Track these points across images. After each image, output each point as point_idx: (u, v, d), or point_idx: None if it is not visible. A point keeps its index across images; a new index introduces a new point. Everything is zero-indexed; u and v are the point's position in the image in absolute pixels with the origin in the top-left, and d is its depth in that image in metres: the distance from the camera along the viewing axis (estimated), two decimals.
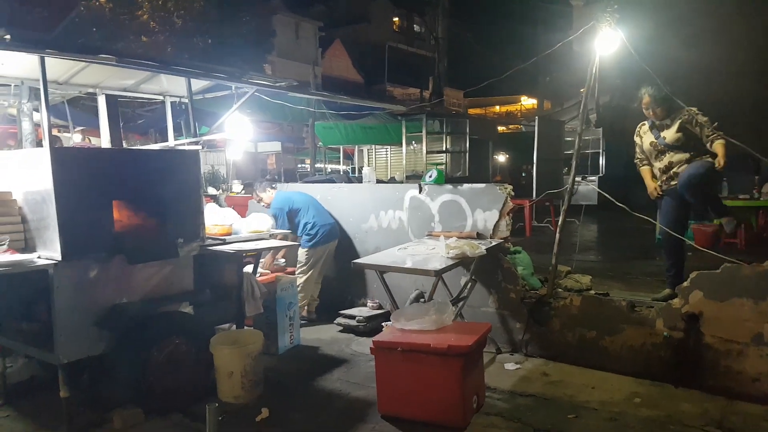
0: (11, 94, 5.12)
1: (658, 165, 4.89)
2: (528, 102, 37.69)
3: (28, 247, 3.82)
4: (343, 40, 32.19)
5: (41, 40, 3.73)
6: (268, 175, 15.82)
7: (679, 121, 4.70)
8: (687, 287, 4.20)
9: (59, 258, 3.54)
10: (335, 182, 7.18)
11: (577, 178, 5.11)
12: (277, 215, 5.80)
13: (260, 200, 6.21)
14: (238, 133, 5.64)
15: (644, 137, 4.99)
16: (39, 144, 5.31)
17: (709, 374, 4.09)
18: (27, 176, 3.80)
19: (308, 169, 15.42)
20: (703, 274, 4.16)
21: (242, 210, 5.85)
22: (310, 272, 5.90)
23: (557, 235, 5.00)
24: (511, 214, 5.18)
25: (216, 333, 4.44)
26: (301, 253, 5.93)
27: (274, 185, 6.43)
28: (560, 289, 5.01)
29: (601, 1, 4.79)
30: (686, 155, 4.70)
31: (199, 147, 4.71)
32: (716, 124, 4.60)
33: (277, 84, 5.47)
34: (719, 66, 11.92)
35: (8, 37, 3.35)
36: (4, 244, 3.55)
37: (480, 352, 3.94)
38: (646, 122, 4.98)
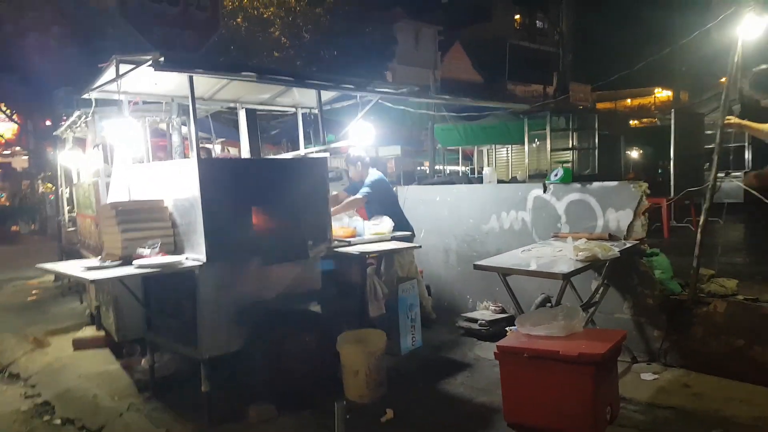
0: (162, 110, 5.71)
1: None
2: (663, 94, 34.97)
3: (177, 249, 4.21)
4: (463, 41, 32.04)
5: (189, 60, 4.12)
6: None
7: None
8: None
9: (204, 260, 3.87)
10: (454, 183, 7.16)
11: (720, 174, 4.66)
12: (371, 190, 5.74)
13: (348, 170, 6.05)
14: (362, 139, 5.82)
15: None
16: (186, 156, 5.85)
17: None
18: (177, 185, 4.20)
19: (427, 172, 15.51)
20: None
21: (363, 213, 6.02)
22: None
23: (698, 235, 4.61)
24: (646, 214, 4.84)
25: (342, 331, 4.59)
26: None
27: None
28: (703, 295, 4.60)
29: None
30: None
31: (327, 154, 4.93)
32: None
33: (399, 91, 5.59)
34: None
35: (162, 59, 3.74)
36: (156, 247, 3.94)
37: (614, 361, 3.72)
38: None
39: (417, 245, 5.43)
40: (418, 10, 30.61)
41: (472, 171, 18.40)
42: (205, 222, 3.86)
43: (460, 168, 19.36)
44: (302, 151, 5.78)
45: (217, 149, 7.82)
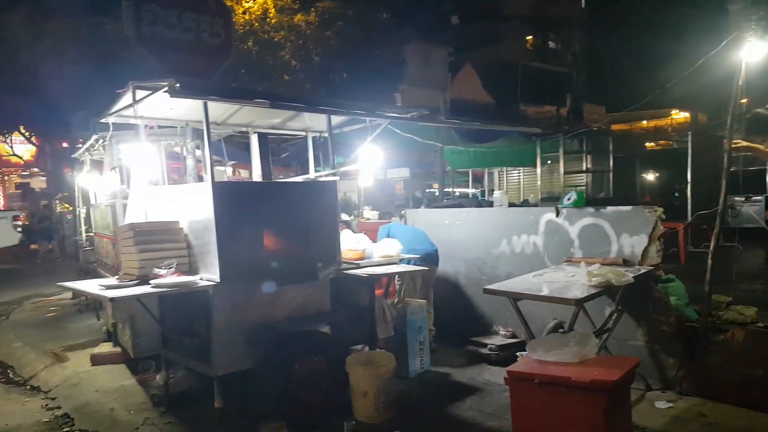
0: (177, 134, 5.81)
1: None
2: (680, 116, 34.68)
3: (191, 270, 4.27)
4: (474, 62, 32.11)
5: (204, 87, 4.21)
6: (396, 200, 16.17)
7: None
8: None
9: (218, 280, 3.93)
10: (464, 206, 7.12)
11: (739, 198, 4.63)
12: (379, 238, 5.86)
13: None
14: (370, 162, 5.87)
15: None
16: (200, 178, 5.94)
17: None
18: (192, 207, 4.27)
19: (436, 194, 15.46)
20: None
21: (373, 235, 6.02)
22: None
23: (710, 260, 4.55)
24: (662, 239, 4.80)
25: (351, 353, 4.60)
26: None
27: (403, 212, 6.63)
28: (720, 322, 4.53)
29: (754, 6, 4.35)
30: None
31: (336, 178, 4.98)
32: None
33: (409, 115, 5.64)
34: None
35: (178, 85, 3.82)
36: (172, 267, 4.00)
37: (627, 388, 3.66)
38: None
39: (423, 267, 5.39)
40: (428, 31, 30.85)
41: (482, 193, 18.32)
42: (219, 243, 3.92)
43: (470, 190, 19.30)
44: (312, 174, 5.84)
45: (228, 171, 7.93)
